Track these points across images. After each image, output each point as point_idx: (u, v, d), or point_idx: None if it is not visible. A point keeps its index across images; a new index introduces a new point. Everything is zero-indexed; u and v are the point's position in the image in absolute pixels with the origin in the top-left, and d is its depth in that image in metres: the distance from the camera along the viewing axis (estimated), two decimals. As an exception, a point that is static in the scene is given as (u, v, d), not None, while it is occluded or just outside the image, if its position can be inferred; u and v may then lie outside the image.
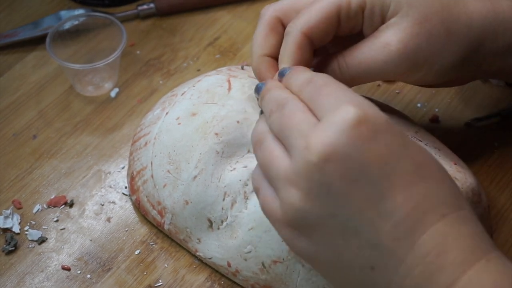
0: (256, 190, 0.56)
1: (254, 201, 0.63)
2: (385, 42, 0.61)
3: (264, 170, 0.54)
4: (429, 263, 0.49)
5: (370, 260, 0.50)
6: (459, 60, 0.63)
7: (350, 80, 0.62)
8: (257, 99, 0.60)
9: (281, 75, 0.59)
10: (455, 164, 0.65)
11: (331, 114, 0.50)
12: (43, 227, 0.70)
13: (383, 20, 0.62)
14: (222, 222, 0.65)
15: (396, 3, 0.61)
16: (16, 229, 0.70)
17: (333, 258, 0.52)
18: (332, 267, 0.52)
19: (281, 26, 0.63)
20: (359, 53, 0.62)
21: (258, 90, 0.60)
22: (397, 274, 0.50)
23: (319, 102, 0.52)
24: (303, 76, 0.56)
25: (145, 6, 0.87)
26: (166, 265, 0.68)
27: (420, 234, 0.49)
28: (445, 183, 0.51)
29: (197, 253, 0.67)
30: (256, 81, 0.70)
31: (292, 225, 0.52)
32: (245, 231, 0.64)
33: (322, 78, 0.54)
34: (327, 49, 0.66)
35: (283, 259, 0.63)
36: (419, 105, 0.78)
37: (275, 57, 0.63)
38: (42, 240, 0.69)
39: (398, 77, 0.63)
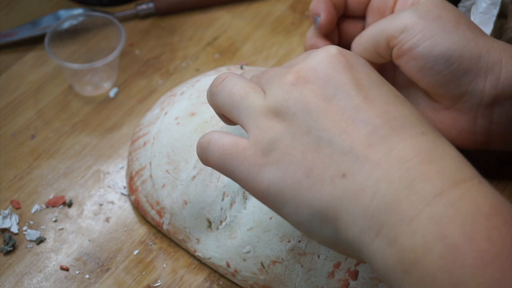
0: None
1: (253, 201, 0.63)
2: (400, 10, 0.64)
3: (232, 105, 0.55)
4: (410, 169, 0.47)
5: (342, 166, 0.49)
6: (455, 53, 0.62)
7: (358, 45, 0.66)
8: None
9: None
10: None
11: (312, 55, 0.53)
12: (42, 227, 0.70)
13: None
14: (221, 222, 0.65)
15: None
16: (14, 229, 0.70)
17: (302, 176, 0.50)
18: (300, 188, 0.50)
19: None
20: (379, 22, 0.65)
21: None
22: (371, 178, 0.48)
23: (297, 60, 0.55)
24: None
25: (144, 6, 0.87)
26: (165, 265, 0.68)
27: (399, 142, 0.48)
28: (418, 112, 0.52)
29: (196, 253, 0.67)
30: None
31: (263, 153, 0.52)
32: (244, 231, 0.64)
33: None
34: None
35: (282, 259, 0.63)
36: (418, 105, 0.78)
37: None
38: (40, 240, 0.69)
39: (393, 38, 0.63)
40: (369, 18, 0.69)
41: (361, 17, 0.70)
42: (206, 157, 0.55)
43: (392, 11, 0.67)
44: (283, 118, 0.51)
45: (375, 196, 0.47)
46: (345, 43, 0.70)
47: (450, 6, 0.65)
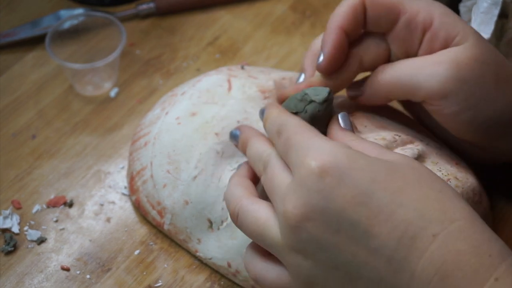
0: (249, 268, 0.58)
1: (254, 201, 0.63)
2: (439, 60, 0.59)
3: (257, 240, 0.56)
4: None
5: None
6: (499, 117, 0.61)
7: (382, 87, 0.62)
8: (235, 146, 0.64)
9: (262, 113, 0.62)
10: (457, 164, 0.65)
11: (297, 172, 0.52)
12: (43, 227, 0.70)
13: (445, 49, 0.61)
14: (222, 222, 0.65)
15: (463, 36, 0.60)
16: (15, 229, 0.70)
17: None
18: None
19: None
20: (407, 61, 0.61)
21: (234, 136, 0.64)
22: None
23: (288, 158, 0.54)
24: (274, 124, 0.58)
25: (144, 6, 0.87)
26: (165, 266, 0.68)
27: (417, 262, 0.49)
28: (428, 198, 0.50)
29: (197, 254, 0.67)
30: (256, 81, 0.70)
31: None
32: (245, 231, 0.63)
33: (290, 128, 0.56)
34: None
35: (284, 259, 0.62)
36: (419, 105, 0.78)
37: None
38: (41, 240, 0.69)
39: (432, 100, 0.60)
40: (393, 47, 0.63)
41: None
42: None
43: (419, 46, 0.62)
44: (306, 256, 0.52)
45: None
46: (362, 63, 0.64)
47: (490, 54, 0.61)
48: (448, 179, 0.63)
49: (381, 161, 0.52)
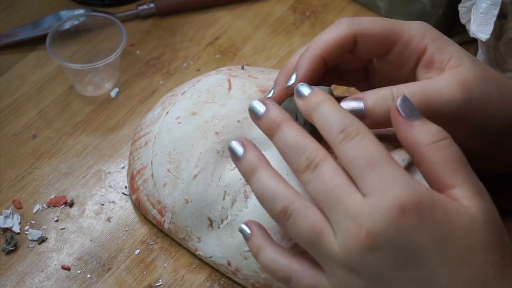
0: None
1: (254, 200, 0.63)
2: (450, 82, 0.60)
3: (305, 246, 0.54)
4: None
5: None
6: (506, 128, 0.62)
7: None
8: (254, 118, 0.57)
9: (300, 94, 0.56)
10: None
11: (378, 198, 0.51)
12: (43, 227, 0.70)
13: (441, 71, 0.61)
14: (222, 221, 0.65)
15: (457, 57, 0.61)
16: (16, 228, 0.70)
17: None
18: None
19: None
20: (423, 85, 0.60)
21: (254, 110, 0.57)
22: None
23: (363, 177, 0.52)
24: (337, 120, 0.54)
25: (145, 6, 0.87)
26: (166, 265, 0.68)
27: None
28: (492, 265, 0.51)
29: (197, 252, 0.67)
30: (256, 81, 0.70)
31: None
32: (245, 230, 0.64)
33: (370, 141, 0.53)
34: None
35: (283, 258, 0.63)
36: (419, 105, 0.78)
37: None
38: (42, 240, 0.69)
39: (449, 122, 0.60)
40: (385, 67, 0.64)
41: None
42: None
43: (412, 68, 0.63)
44: (360, 276, 0.52)
45: None
46: (336, 73, 0.66)
47: (487, 70, 0.63)
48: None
49: (460, 214, 0.52)
